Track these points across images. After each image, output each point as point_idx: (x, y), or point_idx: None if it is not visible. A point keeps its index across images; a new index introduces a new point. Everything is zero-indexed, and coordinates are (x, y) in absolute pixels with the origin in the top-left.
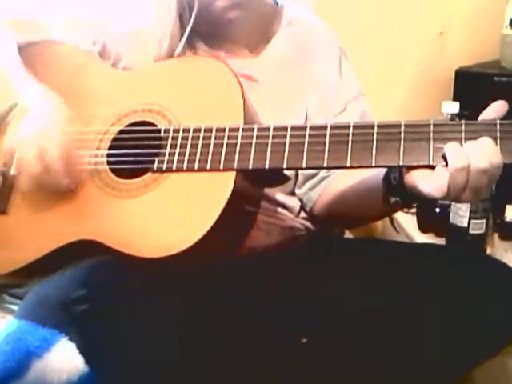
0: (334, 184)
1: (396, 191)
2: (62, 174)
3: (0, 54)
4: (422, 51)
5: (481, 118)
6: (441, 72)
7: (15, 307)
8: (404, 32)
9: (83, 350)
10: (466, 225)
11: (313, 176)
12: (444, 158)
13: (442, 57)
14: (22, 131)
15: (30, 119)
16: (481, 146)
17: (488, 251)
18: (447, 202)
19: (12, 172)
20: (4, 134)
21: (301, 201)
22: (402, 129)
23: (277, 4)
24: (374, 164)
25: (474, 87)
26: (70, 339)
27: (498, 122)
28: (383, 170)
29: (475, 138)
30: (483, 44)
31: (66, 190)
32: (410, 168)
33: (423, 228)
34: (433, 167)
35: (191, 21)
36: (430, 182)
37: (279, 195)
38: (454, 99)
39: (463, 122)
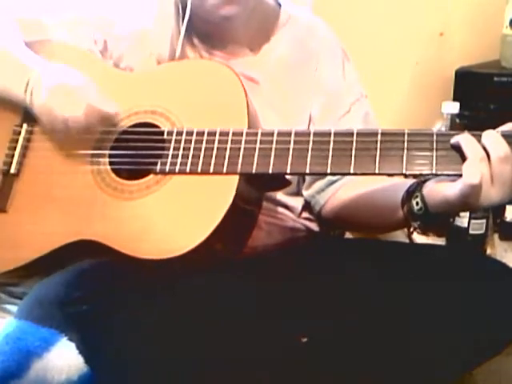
0: (344, 191)
1: (419, 217)
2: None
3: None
4: (422, 51)
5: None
6: (441, 72)
7: (12, 307)
8: (404, 32)
9: (83, 350)
10: (466, 225)
11: (320, 178)
12: (460, 151)
13: (442, 57)
14: (52, 80)
15: (52, 72)
16: (491, 136)
17: (488, 251)
18: None
19: (12, 171)
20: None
21: (308, 203)
22: (406, 137)
23: (279, 5)
24: (377, 171)
25: (474, 87)
26: (70, 339)
27: (500, 130)
28: (400, 190)
29: None
30: (483, 44)
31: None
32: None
33: (426, 230)
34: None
35: (186, 19)
36: (458, 182)
37: (280, 195)
38: (454, 99)
39: (466, 132)
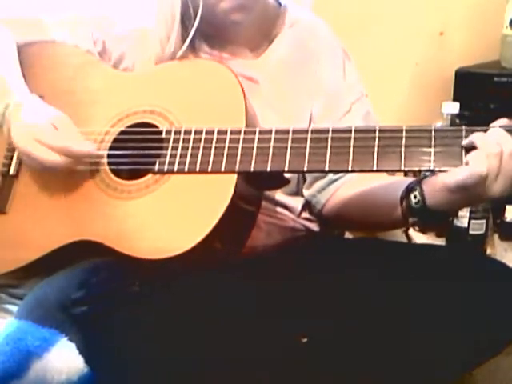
0: (344, 190)
1: (416, 211)
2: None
3: None
4: (422, 51)
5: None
6: (441, 72)
7: (13, 307)
8: (404, 32)
9: (83, 350)
10: (466, 225)
11: (321, 178)
12: (468, 148)
13: (442, 57)
14: (29, 119)
15: (34, 108)
16: (500, 131)
17: (488, 251)
18: None
19: (11, 172)
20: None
21: (309, 202)
22: (404, 134)
23: (280, 5)
24: (375, 168)
25: (474, 87)
26: (70, 339)
27: (500, 125)
28: (400, 186)
29: None
30: (483, 44)
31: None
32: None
33: (423, 228)
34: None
35: (196, 22)
36: (463, 169)
37: (280, 195)
38: (454, 99)
39: (464, 127)
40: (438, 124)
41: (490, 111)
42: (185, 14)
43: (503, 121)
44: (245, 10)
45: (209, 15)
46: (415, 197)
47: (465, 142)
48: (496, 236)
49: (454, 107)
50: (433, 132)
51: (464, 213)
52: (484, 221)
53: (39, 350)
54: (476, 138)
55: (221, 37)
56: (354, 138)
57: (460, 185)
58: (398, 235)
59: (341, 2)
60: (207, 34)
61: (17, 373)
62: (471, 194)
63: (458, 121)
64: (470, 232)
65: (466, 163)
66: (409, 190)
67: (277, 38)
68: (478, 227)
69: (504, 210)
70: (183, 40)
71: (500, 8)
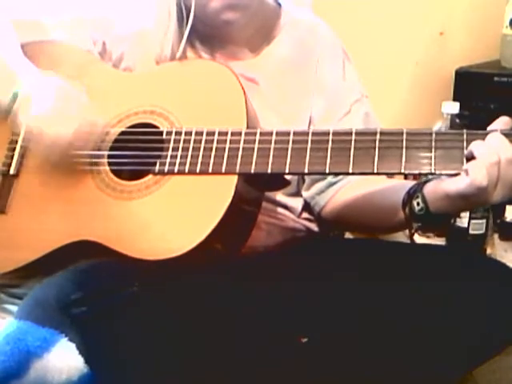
0: (344, 193)
1: (420, 217)
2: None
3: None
4: (422, 51)
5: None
6: (441, 72)
7: (13, 307)
8: (404, 32)
9: (83, 350)
10: (466, 225)
11: (320, 180)
12: (468, 158)
13: (442, 57)
14: (40, 107)
15: (45, 96)
16: (499, 138)
17: (488, 251)
18: None
19: (11, 172)
20: (13, 122)
21: (307, 204)
22: (404, 137)
23: (279, 5)
24: (375, 171)
25: (474, 87)
26: (70, 339)
27: (499, 130)
28: (400, 191)
29: None
30: (483, 44)
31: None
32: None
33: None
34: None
35: (190, 21)
36: (463, 179)
37: (280, 196)
38: (454, 99)
39: (465, 131)
40: (438, 123)
41: (490, 111)
42: (179, 13)
43: (504, 120)
44: (236, 9)
45: (201, 15)
46: (418, 204)
47: (465, 152)
48: (496, 236)
49: (454, 107)
50: (433, 135)
51: (464, 213)
52: (484, 221)
53: (39, 350)
54: (474, 147)
55: (218, 37)
56: (355, 141)
57: (461, 194)
58: (399, 236)
59: (341, 1)
60: (204, 35)
61: (17, 373)
62: (472, 201)
63: (457, 120)
64: (470, 232)
65: (466, 172)
66: (410, 195)
67: (276, 38)
68: (478, 227)
69: (504, 209)
70: (181, 40)
71: (500, 8)
